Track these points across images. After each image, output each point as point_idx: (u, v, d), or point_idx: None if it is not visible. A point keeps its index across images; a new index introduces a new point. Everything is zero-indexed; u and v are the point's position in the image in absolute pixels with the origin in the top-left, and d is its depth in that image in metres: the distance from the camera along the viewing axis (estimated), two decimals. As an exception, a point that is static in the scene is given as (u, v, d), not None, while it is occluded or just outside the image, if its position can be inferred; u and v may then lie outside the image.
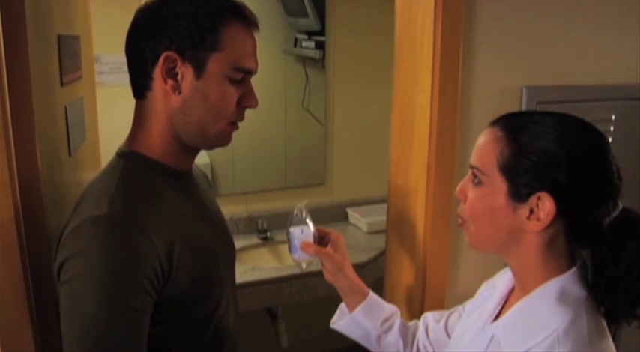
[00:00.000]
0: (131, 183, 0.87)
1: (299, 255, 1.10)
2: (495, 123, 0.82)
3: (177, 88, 0.86)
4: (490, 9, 1.26)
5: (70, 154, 1.27)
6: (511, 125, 0.80)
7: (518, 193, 0.77)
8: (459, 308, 1.08)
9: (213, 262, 0.95)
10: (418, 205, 1.30)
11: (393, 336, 1.10)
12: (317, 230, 1.11)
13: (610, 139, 0.79)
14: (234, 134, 0.95)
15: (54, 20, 1.22)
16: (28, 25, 0.92)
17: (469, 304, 1.01)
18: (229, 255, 1.07)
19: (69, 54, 1.31)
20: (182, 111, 0.88)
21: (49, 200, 1.02)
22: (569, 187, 0.75)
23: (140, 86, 0.90)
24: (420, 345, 1.11)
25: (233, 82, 0.88)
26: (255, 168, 2.42)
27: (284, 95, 2.42)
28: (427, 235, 1.29)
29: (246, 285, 1.94)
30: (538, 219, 0.76)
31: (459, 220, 0.86)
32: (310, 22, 2.32)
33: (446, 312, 1.12)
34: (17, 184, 0.91)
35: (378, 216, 2.31)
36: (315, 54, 2.37)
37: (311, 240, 1.09)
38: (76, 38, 1.44)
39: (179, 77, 0.86)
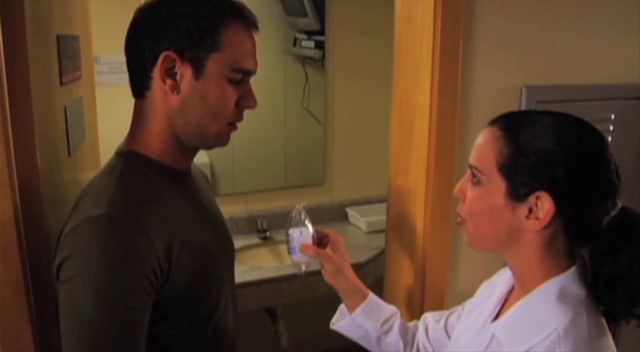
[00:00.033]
0: (130, 183, 0.87)
1: (298, 256, 1.10)
2: (494, 122, 0.82)
3: (176, 88, 0.86)
4: (489, 9, 1.26)
5: (69, 154, 1.27)
6: (510, 124, 0.80)
7: (517, 192, 0.77)
8: (459, 308, 1.07)
9: (212, 262, 0.95)
10: (418, 205, 1.30)
11: (393, 337, 1.10)
12: (316, 231, 1.11)
13: (609, 139, 0.79)
14: (234, 134, 0.95)
15: (53, 20, 1.21)
16: (27, 24, 0.92)
17: (468, 304, 1.01)
18: (228, 255, 1.07)
19: (68, 54, 1.31)
20: (181, 111, 0.88)
21: (49, 200, 1.02)
22: (568, 186, 0.75)
23: (139, 85, 0.89)
24: (420, 346, 1.11)
25: (232, 82, 0.88)
26: (254, 167, 2.42)
27: (283, 95, 2.41)
28: (427, 235, 1.29)
29: (246, 285, 1.95)
30: (537, 219, 0.76)
31: (458, 219, 0.86)
32: (310, 21, 2.32)
33: (445, 312, 1.12)
34: (16, 184, 0.91)
35: (377, 215, 2.31)
36: (315, 53, 2.37)
37: (310, 241, 1.09)
38: (75, 38, 1.44)
39: (178, 77, 0.86)
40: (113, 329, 0.78)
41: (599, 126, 0.80)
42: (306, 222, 1.10)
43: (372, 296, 1.12)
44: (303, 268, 1.13)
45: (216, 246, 0.97)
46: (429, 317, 1.14)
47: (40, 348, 0.97)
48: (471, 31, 1.25)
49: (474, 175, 0.82)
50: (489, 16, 1.26)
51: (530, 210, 0.77)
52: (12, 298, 0.92)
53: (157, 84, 0.87)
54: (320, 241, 1.12)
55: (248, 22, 0.90)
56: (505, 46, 1.30)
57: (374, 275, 2.10)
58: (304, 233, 1.09)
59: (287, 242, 1.11)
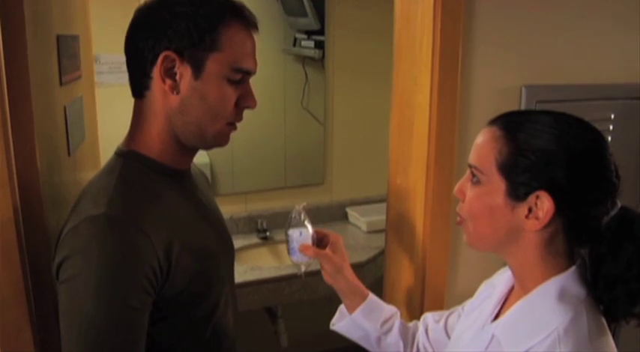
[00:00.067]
0: (130, 183, 0.87)
1: (298, 257, 1.10)
2: (494, 122, 0.82)
3: (175, 88, 0.86)
4: (489, 9, 1.26)
5: (69, 154, 1.27)
6: (509, 124, 0.80)
7: (517, 192, 0.77)
8: (459, 308, 1.07)
9: (211, 262, 0.95)
10: (417, 205, 1.30)
11: (393, 337, 1.10)
12: (316, 231, 1.11)
13: (609, 138, 0.79)
14: (234, 133, 0.95)
15: (53, 20, 1.21)
16: (27, 24, 0.92)
17: (468, 304, 1.01)
18: (228, 255, 1.07)
19: (68, 54, 1.31)
20: (180, 111, 0.88)
21: (48, 200, 1.02)
22: (567, 186, 0.75)
23: (139, 85, 0.89)
24: (420, 346, 1.11)
25: (232, 82, 0.88)
26: (254, 167, 2.42)
27: (283, 94, 2.41)
28: (426, 235, 1.29)
29: (246, 285, 1.95)
30: (537, 218, 0.76)
31: (458, 218, 0.86)
32: (309, 21, 2.32)
33: (445, 313, 1.11)
34: (16, 184, 0.91)
35: (377, 215, 2.31)
36: (315, 53, 2.37)
37: (309, 242, 1.09)
38: (75, 38, 1.43)
39: (177, 77, 0.86)
40: (113, 329, 0.78)
41: (599, 126, 0.80)
42: (306, 222, 1.10)
43: (371, 297, 1.12)
44: (303, 268, 1.13)
45: (215, 245, 0.97)
46: (428, 317, 1.13)
47: (40, 348, 0.97)
48: (470, 31, 1.25)
49: (473, 175, 0.82)
50: (489, 16, 1.26)
51: (530, 210, 0.77)
52: (12, 298, 0.92)
53: (157, 84, 0.87)
54: (320, 241, 1.12)
55: (248, 22, 0.90)
56: (505, 46, 1.30)
57: (374, 275, 2.10)
58: (304, 233, 1.09)
59: (286, 242, 1.11)
